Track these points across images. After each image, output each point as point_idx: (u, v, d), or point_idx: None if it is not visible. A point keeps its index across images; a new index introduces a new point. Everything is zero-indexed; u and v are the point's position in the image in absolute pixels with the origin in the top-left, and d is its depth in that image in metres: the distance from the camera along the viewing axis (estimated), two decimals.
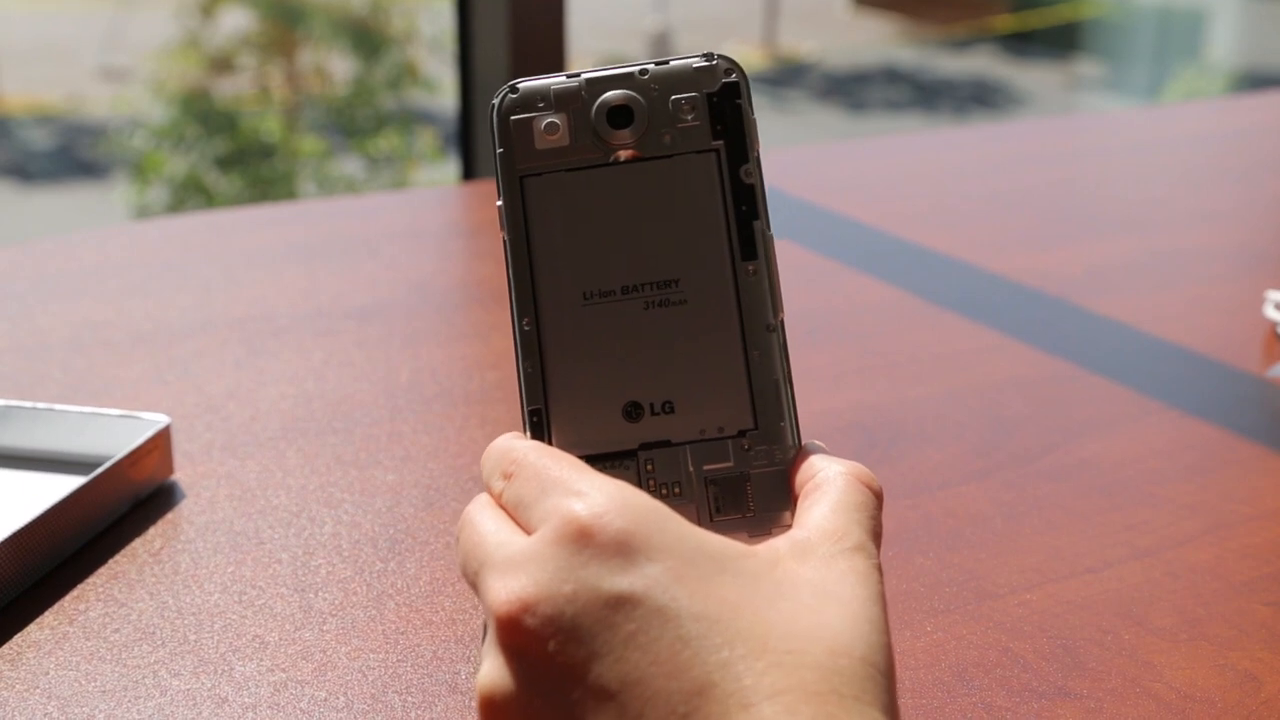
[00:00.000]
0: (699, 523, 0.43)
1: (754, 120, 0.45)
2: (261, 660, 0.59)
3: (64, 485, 0.69)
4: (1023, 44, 11.29)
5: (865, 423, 0.80)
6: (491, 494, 0.43)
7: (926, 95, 10.35)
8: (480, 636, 0.49)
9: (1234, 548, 0.69)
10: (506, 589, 0.39)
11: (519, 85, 0.45)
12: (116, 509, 0.68)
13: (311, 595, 0.64)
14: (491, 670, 0.39)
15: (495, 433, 0.78)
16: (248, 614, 0.62)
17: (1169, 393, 0.85)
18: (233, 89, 7.67)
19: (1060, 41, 11.12)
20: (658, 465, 0.44)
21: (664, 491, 0.44)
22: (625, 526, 0.39)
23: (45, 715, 0.56)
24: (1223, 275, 1.05)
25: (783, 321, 0.45)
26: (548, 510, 0.40)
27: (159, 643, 0.60)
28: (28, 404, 0.73)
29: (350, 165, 7.39)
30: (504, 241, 0.45)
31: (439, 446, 0.77)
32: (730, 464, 0.44)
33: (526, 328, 0.44)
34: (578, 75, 0.45)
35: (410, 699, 0.57)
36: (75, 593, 0.63)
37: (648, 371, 0.44)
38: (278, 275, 1.01)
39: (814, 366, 0.88)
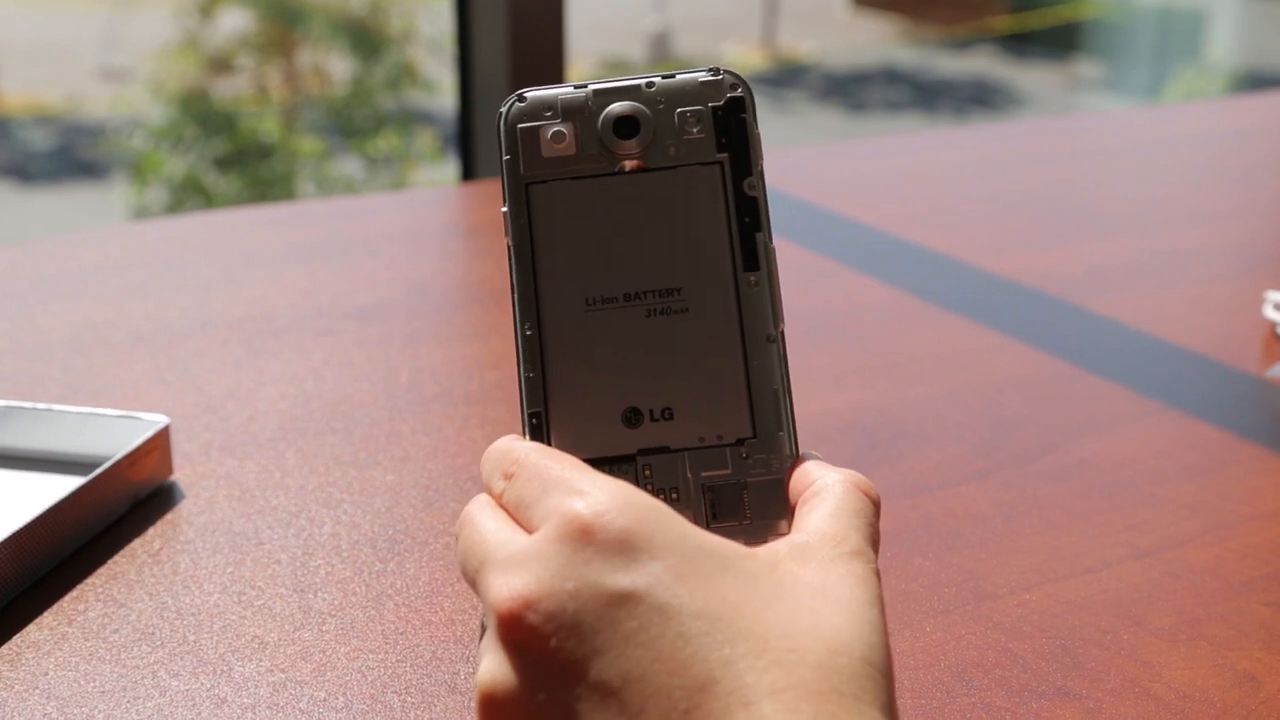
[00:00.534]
0: None
1: (758, 135, 0.46)
2: (261, 661, 0.59)
3: (63, 485, 0.69)
4: (1022, 44, 11.29)
5: (865, 423, 0.80)
6: (492, 494, 0.43)
7: (926, 96, 10.36)
8: (478, 636, 0.49)
9: (1234, 548, 0.69)
10: (508, 586, 0.39)
11: (527, 94, 0.46)
12: (116, 509, 0.68)
13: (311, 596, 0.64)
14: (492, 667, 0.39)
15: (495, 433, 0.78)
16: (247, 614, 0.62)
17: (1169, 393, 0.85)
18: (231, 89, 7.67)
19: (1060, 42, 11.12)
20: (656, 471, 0.45)
21: (661, 497, 0.44)
22: (627, 525, 0.39)
23: (45, 715, 0.56)
24: (1223, 275, 1.05)
25: (783, 332, 0.45)
26: (549, 509, 0.40)
27: (158, 643, 0.60)
28: (28, 404, 0.73)
29: (349, 166, 7.39)
30: (508, 247, 0.45)
31: (438, 447, 0.77)
32: (728, 472, 0.45)
33: (529, 332, 0.45)
34: (585, 86, 0.46)
35: (409, 699, 0.57)
36: (74, 593, 0.63)
37: (648, 378, 0.45)
38: (277, 275, 1.01)
39: (814, 367, 0.88)
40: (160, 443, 0.71)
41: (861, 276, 1.03)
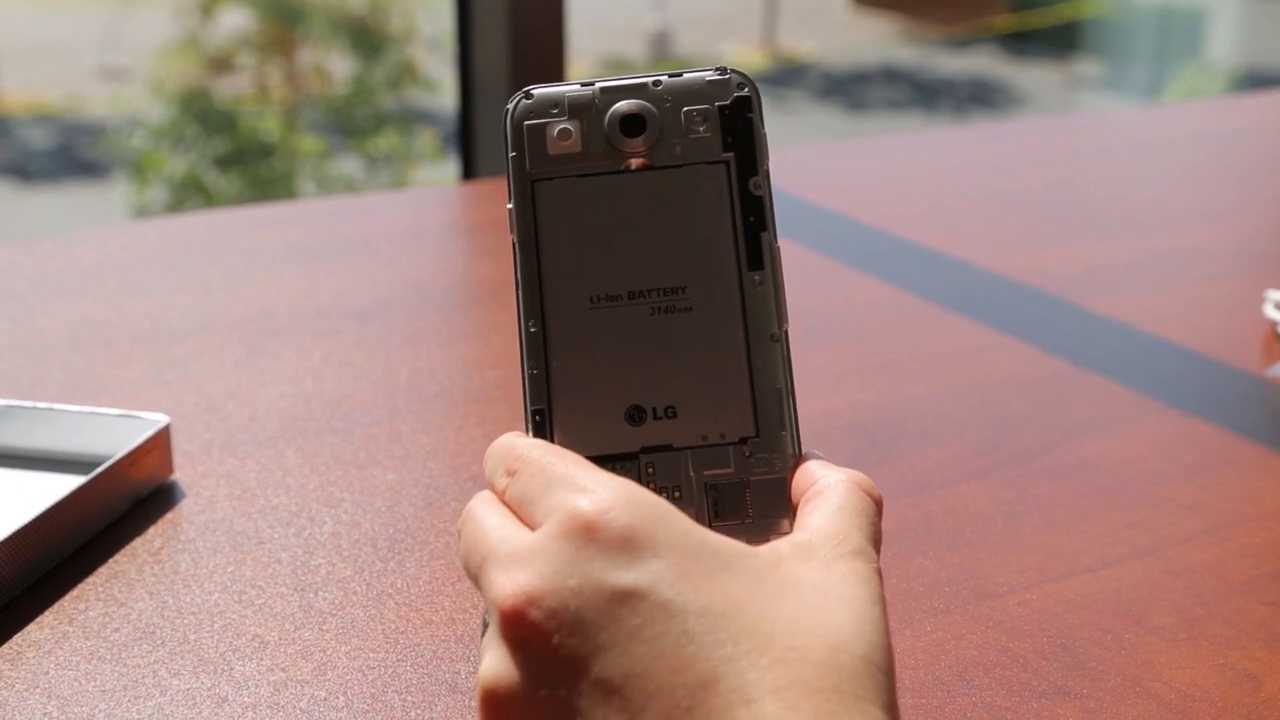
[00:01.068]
0: None
1: (764, 134, 0.46)
2: (261, 660, 0.59)
3: (64, 485, 0.69)
4: (1022, 44, 11.29)
5: (865, 423, 0.80)
6: (495, 490, 0.43)
7: (926, 95, 10.36)
8: (479, 633, 0.49)
9: (1234, 547, 0.69)
10: (511, 582, 0.39)
11: (533, 91, 0.46)
12: (116, 508, 0.68)
13: (311, 595, 0.64)
14: (494, 663, 0.39)
15: (495, 432, 0.78)
16: (247, 613, 0.62)
17: (1169, 392, 0.85)
18: (232, 89, 7.67)
19: (1060, 41, 11.12)
20: (658, 469, 0.45)
21: (664, 495, 0.44)
22: (630, 522, 0.39)
23: (45, 715, 0.56)
24: (1223, 275, 1.05)
25: (787, 332, 0.45)
26: (552, 506, 0.40)
27: (159, 642, 0.60)
28: (28, 403, 0.73)
29: (349, 165, 7.39)
30: (513, 244, 0.45)
31: (438, 446, 0.77)
32: (730, 470, 0.45)
33: (533, 329, 0.45)
34: (592, 84, 0.46)
35: (410, 698, 0.57)
36: (75, 592, 0.63)
37: (652, 376, 0.45)
38: (277, 275, 1.01)
39: (814, 366, 0.88)
40: (160, 442, 0.71)
41: (861, 276, 1.03)
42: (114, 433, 0.72)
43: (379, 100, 7.58)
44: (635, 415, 0.45)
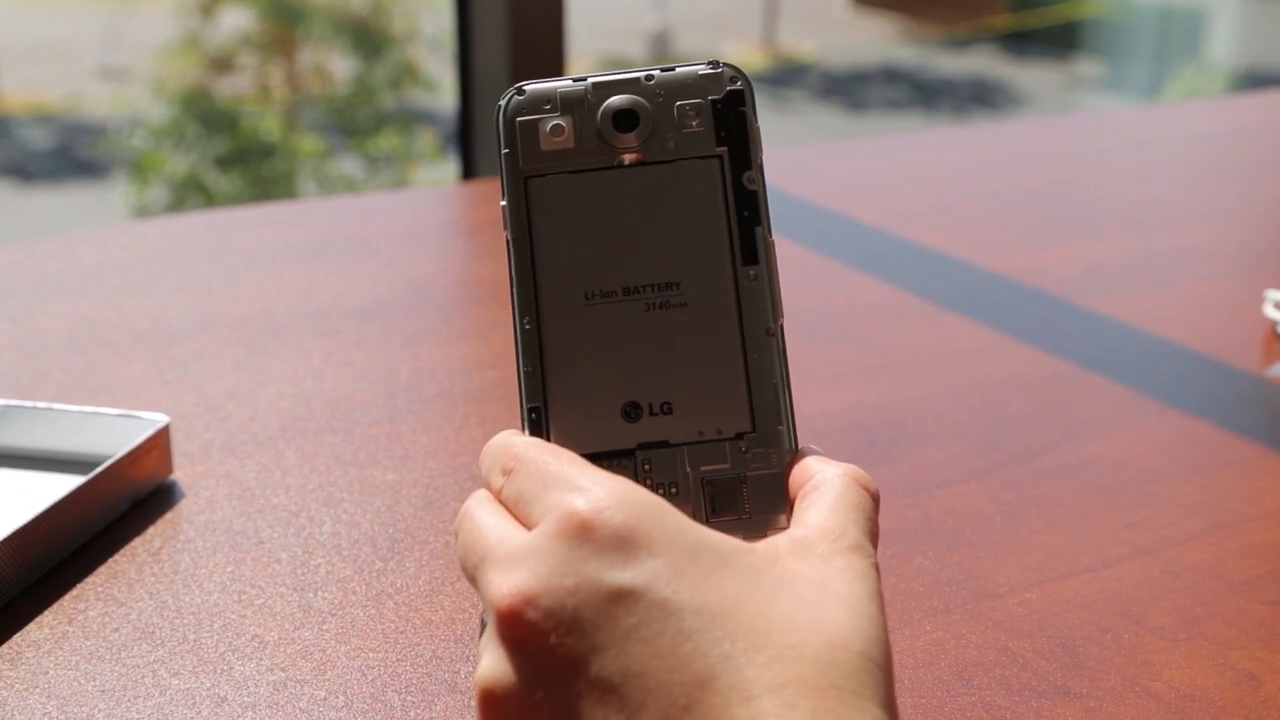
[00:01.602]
0: None
1: (758, 128, 0.46)
2: (261, 660, 0.59)
3: (63, 485, 0.69)
4: (1022, 44, 11.29)
5: (865, 422, 0.80)
6: (491, 490, 0.43)
7: (926, 95, 10.35)
8: (478, 633, 0.49)
9: (1234, 547, 0.69)
10: (508, 582, 0.39)
11: (525, 87, 0.45)
12: (116, 508, 0.68)
13: (311, 595, 0.64)
14: (491, 664, 0.39)
15: (494, 432, 0.77)
16: (247, 613, 0.62)
17: (1169, 392, 0.85)
18: (232, 88, 7.67)
19: (1060, 41, 11.12)
20: (655, 465, 0.44)
21: (660, 492, 0.44)
22: (626, 521, 0.39)
23: (45, 715, 0.56)
24: (1223, 274, 1.05)
25: (782, 327, 0.45)
26: (549, 505, 0.40)
27: (158, 642, 0.60)
28: (27, 403, 0.73)
29: (350, 165, 7.39)
30: (507, 241, 0.45)
31: (438, 446, 0.77)
32: (727, 466, 0.45)
33: (527, 327, 0.45)
34: (584, 79, 0.45)
35: (410, 698, 0.57)
36: (75, 592, 0.63)
37: (647, 372, 0.45)
38: (277, 275, 1.01)
39: (813, 366, 0.88)
40: (160, 442, 0.71)
41: (861, 276, 1.03)
42: (114, 432, 0.72)
43: (379, 100, 7.58)
44: (631, 412, 0.45)
